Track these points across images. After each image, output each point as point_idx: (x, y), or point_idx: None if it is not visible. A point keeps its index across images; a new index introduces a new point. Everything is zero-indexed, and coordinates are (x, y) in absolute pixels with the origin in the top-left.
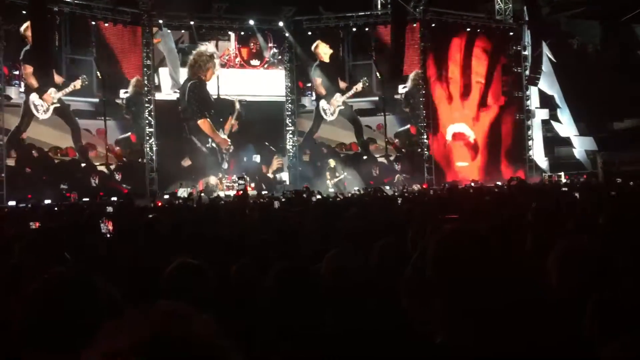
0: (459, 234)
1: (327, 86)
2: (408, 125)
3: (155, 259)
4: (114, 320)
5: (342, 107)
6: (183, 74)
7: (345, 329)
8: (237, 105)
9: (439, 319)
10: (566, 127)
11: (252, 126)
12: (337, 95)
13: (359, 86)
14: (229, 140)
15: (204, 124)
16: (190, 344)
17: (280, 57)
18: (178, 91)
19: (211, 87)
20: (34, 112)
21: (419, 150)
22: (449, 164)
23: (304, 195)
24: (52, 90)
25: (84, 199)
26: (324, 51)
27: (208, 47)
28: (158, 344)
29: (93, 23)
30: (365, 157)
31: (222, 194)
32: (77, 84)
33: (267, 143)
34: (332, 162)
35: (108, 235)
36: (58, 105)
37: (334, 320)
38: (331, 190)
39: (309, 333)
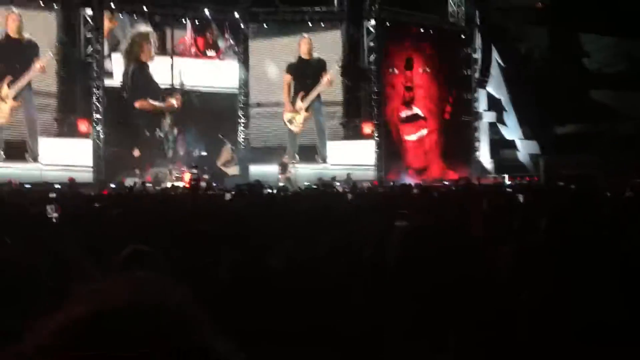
0: (422, 230)
1: (296, 88)
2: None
3: (104, 245)
4: (84, 288)
5: (307, 115)
6: (118, 59)
7: (300, 325)
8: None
9: (399, 322)
10: (511, 130)
11: (205, 117)
12: (298, 101)
13: (324, 80)
14: (174, 102)
15: (142, 104)
16: (166, 312)
17: (237, 48)
18: None
19: (164, 76)
20: None
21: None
22: (399, 161)
23: (255, 188)
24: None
25: (26, 185)
26: (304, 49)
27: (142, 27)
28: (131, 310)
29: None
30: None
31: (170, 184)
32: None
33: (220, 135)
34: (285, 158)
35: (54, 220)
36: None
37: (288, 315)
38: (281, 184)
39: (262, 328)
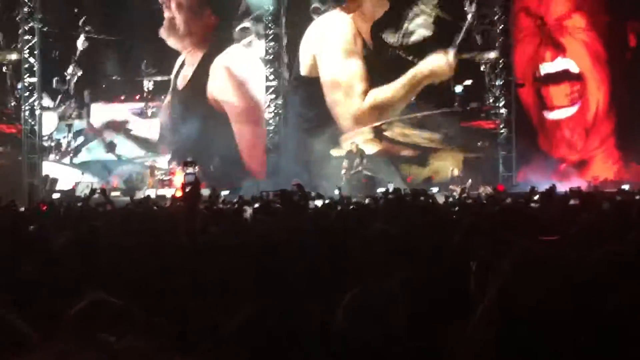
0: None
1: None
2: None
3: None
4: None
5: None
6: None
7: None
8: None
9: None
10: None
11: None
12: None
13: None
14: None
15: None
16: None
17: None
18: None
19: None
20: None
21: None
22: (539, 150)
23: (295, 199)
24: None
25: None
26: None
27: None
28: None
29: None
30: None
31: (152, 193)
32: None
33: None
34: (354, 143)
35: None
36: None
37: None
38: (336, 192)
39: None
